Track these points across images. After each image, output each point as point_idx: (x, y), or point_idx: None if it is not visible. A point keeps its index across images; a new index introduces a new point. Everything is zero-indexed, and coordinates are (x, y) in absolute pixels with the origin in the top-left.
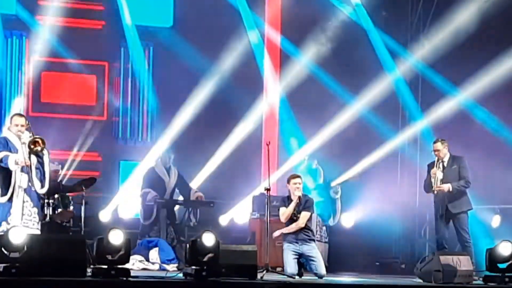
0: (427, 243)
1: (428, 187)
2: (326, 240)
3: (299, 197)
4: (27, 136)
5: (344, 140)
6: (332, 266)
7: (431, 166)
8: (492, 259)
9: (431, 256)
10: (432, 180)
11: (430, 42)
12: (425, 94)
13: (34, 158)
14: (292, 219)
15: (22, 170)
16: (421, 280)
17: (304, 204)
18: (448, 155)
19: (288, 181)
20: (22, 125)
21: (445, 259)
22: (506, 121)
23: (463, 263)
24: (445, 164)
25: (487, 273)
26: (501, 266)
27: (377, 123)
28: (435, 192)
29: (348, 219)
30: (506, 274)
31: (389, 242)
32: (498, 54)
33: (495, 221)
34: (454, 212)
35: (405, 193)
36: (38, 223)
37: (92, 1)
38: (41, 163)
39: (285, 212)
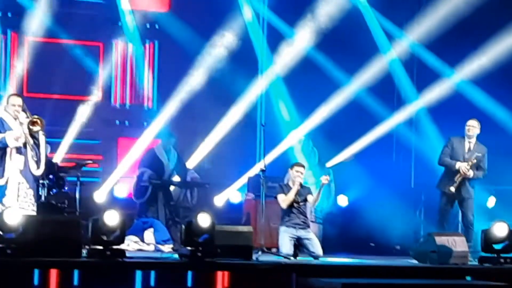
0: (422, 224)
1: (447, 162)
2: (320, 221)
3: (301, 183)
4: (23, 117)
5: (339, 121)
6: (327, 247)
7: (456, 140)
8: (487, 240)
9: (427, 237)
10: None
11: (426, 23)
12: (421, 75)
13: (30, 139)
14: (293, 205)
15: (18, 152)
16: (416, 261)
17: (305, 192)
18: (475, 139)
19: (292, 167)
20: (19, 105)
21: (440, 239)
22: (502, 102)
23: (458, 243)
24: (472, 146)
25: (483, 254)
26: (496, 247)
27: (372, 104)
28: (455, 186)
29: (343, 200)
30: (501, 255)
31: (384, 223)
32: (494, 34)
33: (490, 202)
34: (466, 196)
35: (400, 174)
36: (34, 204)
37: None
38: (37, 144)
39: (286, 199)
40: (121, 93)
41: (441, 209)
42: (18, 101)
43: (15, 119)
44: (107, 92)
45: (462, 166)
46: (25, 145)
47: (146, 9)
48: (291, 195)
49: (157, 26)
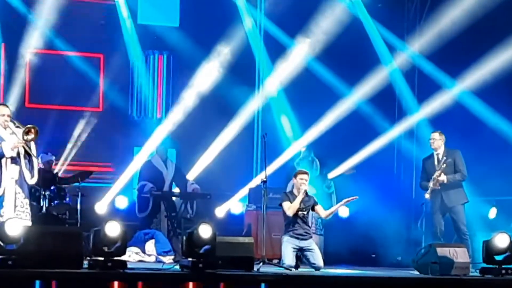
0: (423, 235)
1: (423, 184)
2: (321, 232)
3: (305, 191)
4: (13, 126)
5: (341, 131)
6: (328, 258)
7: (426, 160)
8: (489, 251)
9: (428, 248)
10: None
11: (427, 34)
12: (422, 86)
13: (22, 149)
14: (297, 214)
15: (13, 162)
16: (418, 272)
17: (310, 200)
18: (443, 148)
19: (295, 176)
20: (8, 115)
21: (441, 251)
22: (503, 113)
23: (459, 255)
24: (440, 157)
25: (484, 265)
26: (497, 258)
27: (373, 115)
28: (429, 192)
29: (344, 211)
30: (503, 266)
31: (385, 234)
32: (495, 46)
33: (492, 213)
34: (450, 206)
35: (401, 185)
36: (29, 214)
37: None
38: (28, 153)
39: (291, 207)
40: (130, 104)
41: (433, 223)
42: (6, 110)
43: (5, 128)
44: (114, 103)
45: (431, 183)
46: (18, 155)
47: (155, 23)
48: (296, 203)
49: (165, 39)
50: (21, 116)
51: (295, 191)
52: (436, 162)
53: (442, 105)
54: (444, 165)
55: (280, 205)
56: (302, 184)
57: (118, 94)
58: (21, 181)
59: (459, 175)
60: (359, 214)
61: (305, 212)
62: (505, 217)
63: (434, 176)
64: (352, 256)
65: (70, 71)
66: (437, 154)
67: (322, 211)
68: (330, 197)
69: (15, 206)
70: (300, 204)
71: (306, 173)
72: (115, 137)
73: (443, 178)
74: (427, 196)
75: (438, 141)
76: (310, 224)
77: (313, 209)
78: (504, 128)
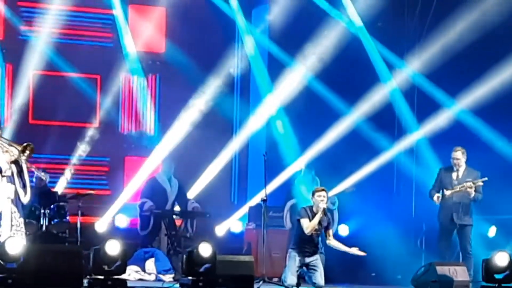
0: (423, 253)
1: (435, 190)
2: (322, 251)
3: (324, 209)
4: (6, 144)
5: (340, 150)
6: (328, 276)
7: (444, 171)
8: (489, 269)
9: (428, 267)
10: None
11: (426, 53)
12: (421, 105)
13: (15, 168)
14: (315, 230)
15: (8, 181)
16: None
17: (326, 220)
18: (464, 166)
19: (313, 194)
20: None
21: (441, 269)
22: (502, 132)
23: (459, 273)
24: (460, 174)
25: (484, 283)
26: (497, 276)
27: (373, 134)
28: (450, 193)
29: (343, 229)
30: (503, 285)
31: (385, 253)
32: (494, 65)
33: (492, 231)
34: (461, 223)
35: (401, 203)
36: (24, 233)
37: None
38: (20, 171)
39: (309, 225)
40: (126, 121)
41: (440, 237)
42: None
43: None
44: (111, 120)
45: (452, 190)
46: (12, 174)
47: (143, 50)
48: (315, 222)
49: (158, 63)
50: (25, 132)
51: (315, 209)
52: (455, 177)
53: (442, 123)
54: (469, 183)
55: (298, 220)
56: (322, 202)
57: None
58: (16, 200)
59: (480, 196)
60: (359, 233)
61: (319, 232)
62: (504, 235)
63: (466, 184)
64: (352, 274)
65: (71, 90)
66: (457, 170)
67: (331, 237)
68: (332, 213)
69: (12, 226)
70: (318, 222)
71: (324, 190)
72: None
73: (472, 191)
74: (448, 193)
75: (459, 160)
76: (319, 243)
77: (325, 230)
78: (503, 147)
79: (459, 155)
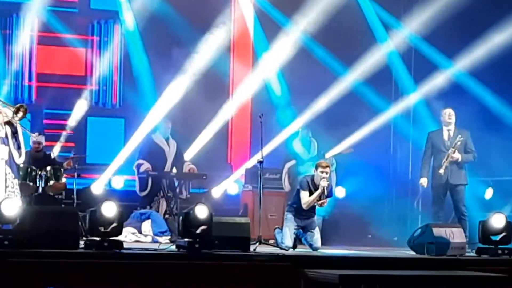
0: (420, 215)
1: (427, 156)
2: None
3: (324, 188)
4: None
5: (337, 112)
6: (325, 238)
7: (434, 134)
8: (485, 231)
9: (424, 228)
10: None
11: (424, 14)
12: (418, 66)
13: (9, 129)
14: (313, 205)
15: (2, 142)
16: (414, 252)
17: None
18: (454, 126)
19: (316, 167)
20: None
21: (438, 231)
22: (500, 94)
23: (456, 235)
24: (451, 133)
25: (480, 245)
26: (494, 238)
27: (370, 95)
28: (443, 168)
29: (340, 191)
30: (499, 246)
31: (381, 214)
32: (492, 25)
33: (488, 193)
34: (454, 183)
35: (398, 165)
36: (19, 194)
37: None
38: (14, 132)
39: (308, 201)
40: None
41: (434, 201)
42: None
43: None
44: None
45: (445, 162)
46: (6, 135)
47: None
48: (313, 198)
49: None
50: None
51: (316, 181)
52: (446, 138)
53: (439, 85)
54: (459, 142)
55: (298, 190)
56: (324, 179)
57: None
58: (10, 161)
59: (471, 156)
60: (356, 195)
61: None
62: (501, 197)
63: (449, 152)
64: (348, 236)
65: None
66: (449, 130)
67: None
68: (330, 175)
69: (6, 187)
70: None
71: (328, 166)
72: None
73: (458, 156)
74: (441, 171)
75: (453, 116)
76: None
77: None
78: (500, 109)
79: (452, 113)
